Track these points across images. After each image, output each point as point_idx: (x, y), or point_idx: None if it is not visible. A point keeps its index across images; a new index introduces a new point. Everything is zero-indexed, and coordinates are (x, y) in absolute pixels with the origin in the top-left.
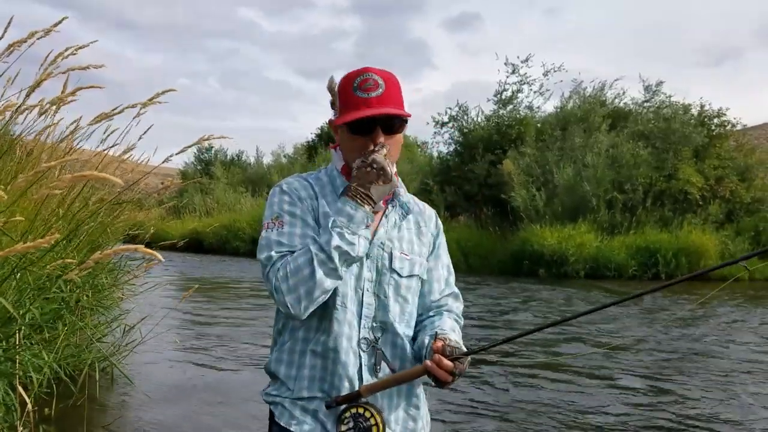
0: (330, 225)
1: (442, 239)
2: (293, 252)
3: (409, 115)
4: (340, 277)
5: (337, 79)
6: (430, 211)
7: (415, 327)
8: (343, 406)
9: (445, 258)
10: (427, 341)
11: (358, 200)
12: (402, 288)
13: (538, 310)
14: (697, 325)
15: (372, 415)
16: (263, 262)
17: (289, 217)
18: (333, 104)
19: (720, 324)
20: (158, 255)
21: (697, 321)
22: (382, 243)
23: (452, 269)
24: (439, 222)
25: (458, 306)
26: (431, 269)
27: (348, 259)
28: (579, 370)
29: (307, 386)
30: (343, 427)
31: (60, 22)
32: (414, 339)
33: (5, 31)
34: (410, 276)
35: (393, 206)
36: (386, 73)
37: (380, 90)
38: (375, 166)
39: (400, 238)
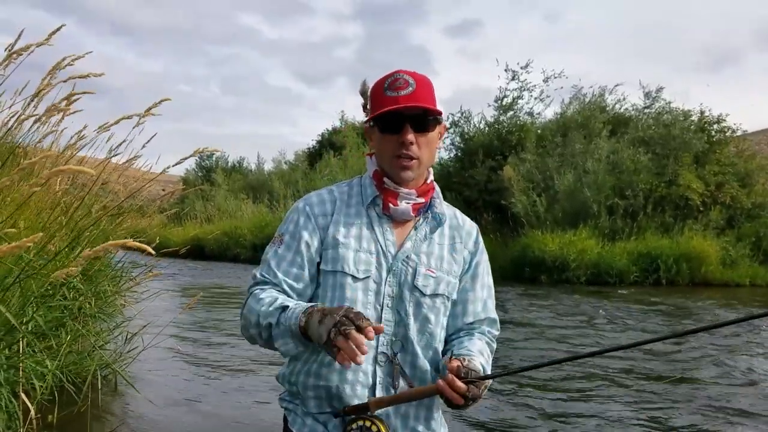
0: (280, 308)
1: (483, 258)
2: (273, 284)
3: (440, 112)
4: (271, 347)
5: (370, 83)
6: (470, 227)
7: (445, 346)
8: (350, 417)
9: (487, 279)
10: (446, 359)
11: (306, 320)
12: (424, 307)
13: (568, 325)
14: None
15: (378, 430)
16: (252, 274)
17: (289, 238)
18: (365, 107)
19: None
20: (149, 249)
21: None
22: (407, 257)
23: (493, 293)
24: (480, 240)
25: (492, 331)
26: (467, 290)
27: (270, 340)
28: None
29: (315, 405)
30: None
31: (58, 30)
32: None
33: (15, 44)
34: (434, 295)
35: (425, 218)
36: (418, 74)
37: (410, 89)
38: (342, 320)
39: (428, 254)
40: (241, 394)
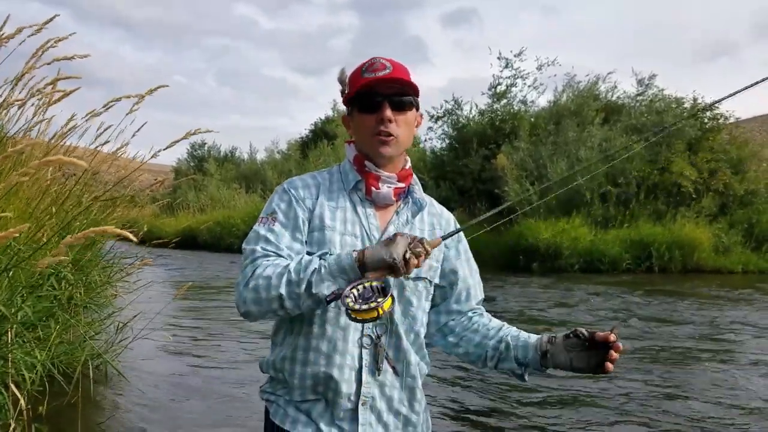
0: (318, 256)
1: (466, 245)
2: (277, 254)
3: (417, 88)
4: (298, 307)
5: (348, 71)
6: (447, 215)
7: (451, 330)
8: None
9: (474, 264)
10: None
11: (359, 257)
12: (407, 290)
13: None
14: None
15: (374, 289)
16: (246, 253)
17: (282, 216)
18: (343, 93)
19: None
20: (129, 235)
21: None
22: None
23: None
24: (458, 226)
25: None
26: (465, 277)
27: (312, 296)
28: None
29: (300, 391)
30: (349, 294)
31: (51, 19)
32: (456, 344)
33: (2, 29)
34: (417, 279)
35: (405, 202)
36: (395, 60)
37: (387, 70)
38: (396, 262)
39: None
40: (232, 384)
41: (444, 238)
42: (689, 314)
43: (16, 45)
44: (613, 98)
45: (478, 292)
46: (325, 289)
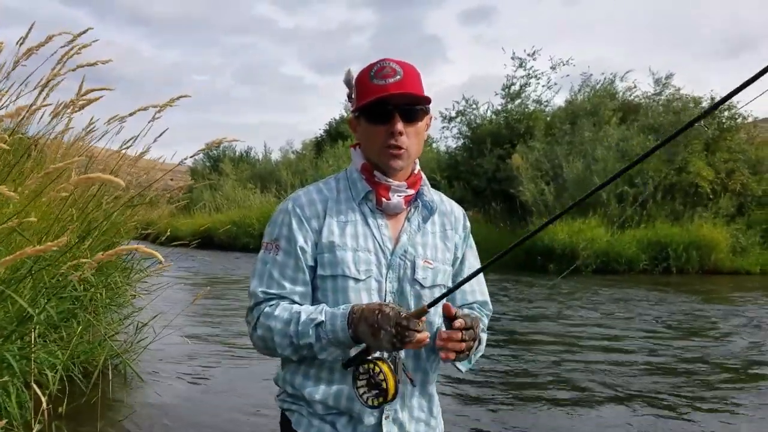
0: (316, 324)
1: (472, 242)
2: (281, 297)
3: (429, 100)
4: (303, 356)
5: (355, 72)
6: (458, 212)
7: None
8: (352, 368)
9: (476, 262)
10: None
11: (353, 333)
12: (424, 299)
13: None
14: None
15: (381, 371)
16: (251, 290)
17: (285, 243)
18: (350, 97)
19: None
20: (158, 255)
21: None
22: (404, 251)
23: (482, 276)
24: (468, 223)
25: (485, 311)
26: (462, 274)
27: (311, 353)
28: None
29: (322, 406)
30: (360, 382)
31: (84, 32)
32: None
33: (26, 37)
34: (433, 286)
35: (415, 207)
36: (405, 63)
37: (398, 77)
38: (401, 330)
39: (423, 244)
40: (251, 384)
41: (429, 306)
42: (712, 314)
43: (44, 50)
44: (631, 97)
45: (475, 289)
46: (329, 355)
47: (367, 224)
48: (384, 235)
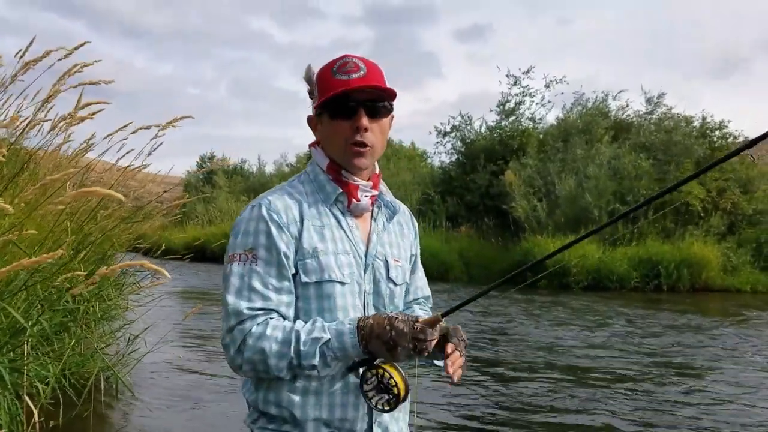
0: (322, 343)
1: (418, 240)
2: (266, 310)
3: (394, 94)
4: (298, 376)
5: (316, 68)
6: (407, 211)
7: None
8: (363, 369)
9: (419, 259)
10: None
11: (365, 349)
12: (396, 297)
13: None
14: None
15: (391, 376)
16: (230, 309)
17: (264, 252)
18: (311, 94)
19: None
20: (165, 272)
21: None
22: (376, 251)
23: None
24: (415, 222)
25: (428, 305)
26: (413, 271)
27: (312, 372)
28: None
29: (314, 425)
30: (367, 386)
31: (81, 45)
32: None
33: (26, 51)
34: (402, 284)
35: (378, 206)
36: (367, 60)
37: (362, 72)
38: (418, 344)
39: (390, 244)
40: (243, 398)
41: (445, 314)
42: (701, 334)
43: (44, 66)
44: (623, 116)
45: (423, 285)
46: (332, 371)
47: (341, 227)
48: (356, 236)
